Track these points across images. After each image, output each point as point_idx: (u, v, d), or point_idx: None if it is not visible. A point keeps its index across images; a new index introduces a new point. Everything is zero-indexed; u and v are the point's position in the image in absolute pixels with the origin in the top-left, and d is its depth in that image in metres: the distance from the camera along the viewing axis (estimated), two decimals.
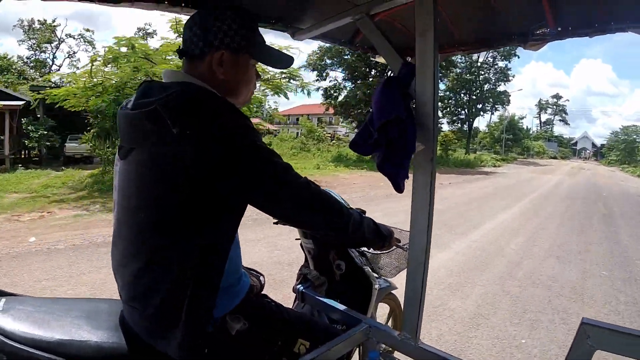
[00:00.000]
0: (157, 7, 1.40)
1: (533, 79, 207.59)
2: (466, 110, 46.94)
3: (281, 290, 4.06)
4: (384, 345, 1.83)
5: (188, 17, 1.24)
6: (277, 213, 1.22)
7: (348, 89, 30.12)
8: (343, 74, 30.45)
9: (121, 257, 1.18)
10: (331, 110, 32.79)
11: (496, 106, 48.90)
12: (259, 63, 1.30)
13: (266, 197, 1.12)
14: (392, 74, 1.59)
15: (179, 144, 1.01)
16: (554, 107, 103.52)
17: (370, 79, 27.97)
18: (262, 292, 1.50)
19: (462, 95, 46.44)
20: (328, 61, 30.25)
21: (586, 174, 33.16)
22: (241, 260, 1.38)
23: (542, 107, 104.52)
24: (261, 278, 1.54)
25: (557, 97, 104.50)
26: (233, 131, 1.04)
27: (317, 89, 31.57)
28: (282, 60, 1.33)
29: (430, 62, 1.40)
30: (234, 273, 1.29)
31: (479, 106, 46.64)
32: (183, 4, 1.42)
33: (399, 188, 1.48)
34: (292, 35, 1.86)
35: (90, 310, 1.26)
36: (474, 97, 45.91)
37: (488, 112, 50.08)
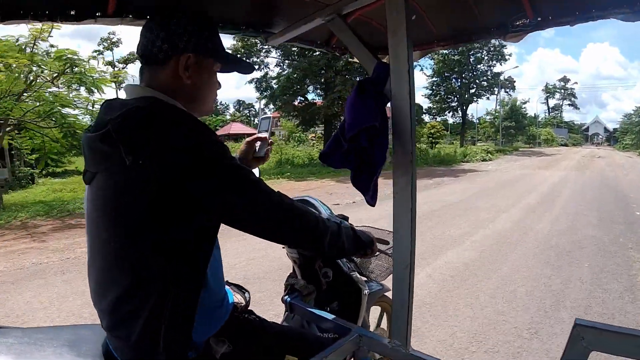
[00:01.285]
0: (121, 22, 1.40)
1: (540, 66, 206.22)
2: (457, 96, 42.68)
3: None
4: (376, 354, 1.82)
5: None
6: (251, 231, 1.17)
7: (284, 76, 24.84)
8: (277, 59, 25.71)
9: (98, 286, 1.16)
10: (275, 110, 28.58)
11: (493, 90, 43.97)
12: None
13: (238, 216, 1.10)
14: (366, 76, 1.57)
15: (135, 168, 0.99)
16: (562, 91, 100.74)
17: (302, 59, 23.12)
18: (248, 308, 1.48)
19: (452, 79, 42.25)
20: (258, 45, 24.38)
21: (600, 164, 26.02)
22: (224, 280, 1.37)
23: (549, 91, 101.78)
24: (246, 294, 1.53)
25: (565, 80, 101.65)
26: (198, 141, 1.03)
27: (251, 81, 26.56)
28: (244, 65, 1.35)
29: (404, 60, 1.39)
30: (217, 294, 1.28)
31: (472, 91, 42.39)
32: (148, 17, 1.42)
33: (371, 202, 1.49)
34: (265, 40, 1.86)
35: (72, 339, 1.26)
36: (465, 80, 41.80)
37: (484, 96, 44.68)
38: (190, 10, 1.20)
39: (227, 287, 1.42)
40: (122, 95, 1.23)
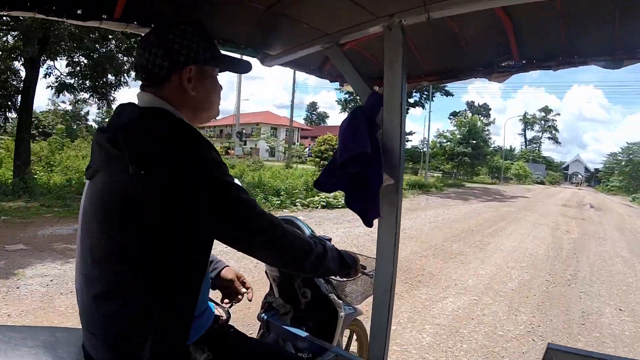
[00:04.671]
0: (126, 27, 1.56)
1: (525, 103, 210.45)
2: None
3: None
4: None
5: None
6: (246, 252, 1.28)
7: None
8: None
9: (82, 278, 1.23)
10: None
11: (426, 96, 38.81)
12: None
13: (236, 239, 1.23)
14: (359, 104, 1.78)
15: (137, 177, 1.09)
16: (542, 122, 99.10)
17: None
18: (229, 323, 1.59)
19: None
20: None
21: (612, 240, 12.20)
22: (208, 289, 1.48)
23: (527, 121, 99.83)
24: (227, 309, 1.65)
25: (546, 110, 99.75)
26: (201, 160, 1.13)
27: None
28: (242, 65, 1.47)
29: (398, 92, 1.60)
30: (202, 304, 1.38)
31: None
32: (152, 25, 1.59)
33: (368, 223, 1.65)
34: (261, 61, 2.05)
35: (49, 340, 1.32)
36: None
37: (419, 105, 40.47)
38: (184, 21, 1.31)
39: (209, 302, 1.53)
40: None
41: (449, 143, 48.17)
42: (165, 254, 1.14)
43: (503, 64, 1.89)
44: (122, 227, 1.14)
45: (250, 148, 49.17)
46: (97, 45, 13.83)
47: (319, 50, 1.86)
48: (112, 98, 15.77)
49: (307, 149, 41.15)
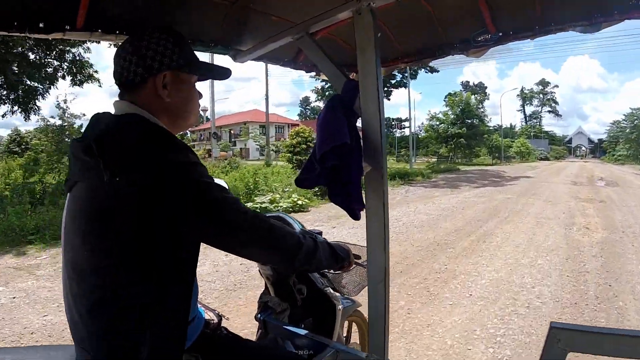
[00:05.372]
0: (90, 36, 1.56)
1: (521, 80, 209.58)
2: None
3: None
4: None
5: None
6: (233, 252, 1.29)
7: None
8: None
9: (69, 294, 1.23)
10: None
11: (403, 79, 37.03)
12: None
13: (221, 240, 1.22)
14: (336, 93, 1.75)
15: (112, 184, 1.08)
16: (541, 96, 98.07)
17: None
18: (221, 326, 1.60)
19: None
20: None
21: None
22: (197, 297, 1.47)
23: (525, 96, 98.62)
24: (218, 312, 1.66)
25: (544, 83, 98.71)
26: (177, 163, 1.12)
27: None
28: (221, 72, 1.46)
29: (373, 77, 1.57)
30: (192, 311, 1.36)
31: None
32: (117, 32, 1.58)
33: (355, 216, 1.64)
34: (233, 58, 2.03)
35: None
36: None
37: (402, 86, 38.92)
38: (158, 27, 1.31)
39: (199, 305, 1.53)
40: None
41: (442, 125, 45.18)
42: (152, 261, 1.13)
43: (479, 39, 1.87)
44: (103, 236, 1.13)
45: (240, 148, 48.80)
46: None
47: (291, 41, 1.84)
48: (36, 108, 14.80)
49: None
